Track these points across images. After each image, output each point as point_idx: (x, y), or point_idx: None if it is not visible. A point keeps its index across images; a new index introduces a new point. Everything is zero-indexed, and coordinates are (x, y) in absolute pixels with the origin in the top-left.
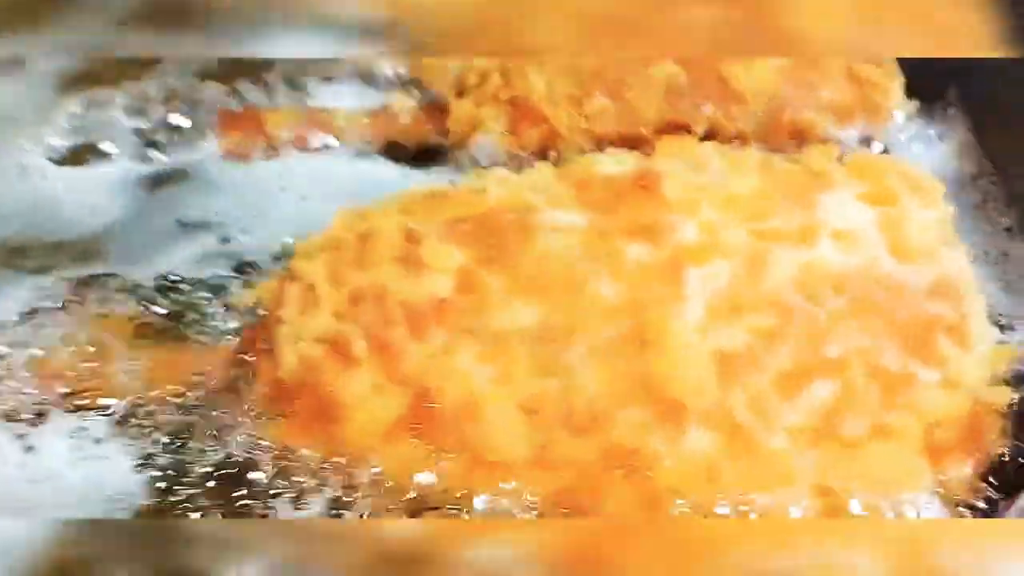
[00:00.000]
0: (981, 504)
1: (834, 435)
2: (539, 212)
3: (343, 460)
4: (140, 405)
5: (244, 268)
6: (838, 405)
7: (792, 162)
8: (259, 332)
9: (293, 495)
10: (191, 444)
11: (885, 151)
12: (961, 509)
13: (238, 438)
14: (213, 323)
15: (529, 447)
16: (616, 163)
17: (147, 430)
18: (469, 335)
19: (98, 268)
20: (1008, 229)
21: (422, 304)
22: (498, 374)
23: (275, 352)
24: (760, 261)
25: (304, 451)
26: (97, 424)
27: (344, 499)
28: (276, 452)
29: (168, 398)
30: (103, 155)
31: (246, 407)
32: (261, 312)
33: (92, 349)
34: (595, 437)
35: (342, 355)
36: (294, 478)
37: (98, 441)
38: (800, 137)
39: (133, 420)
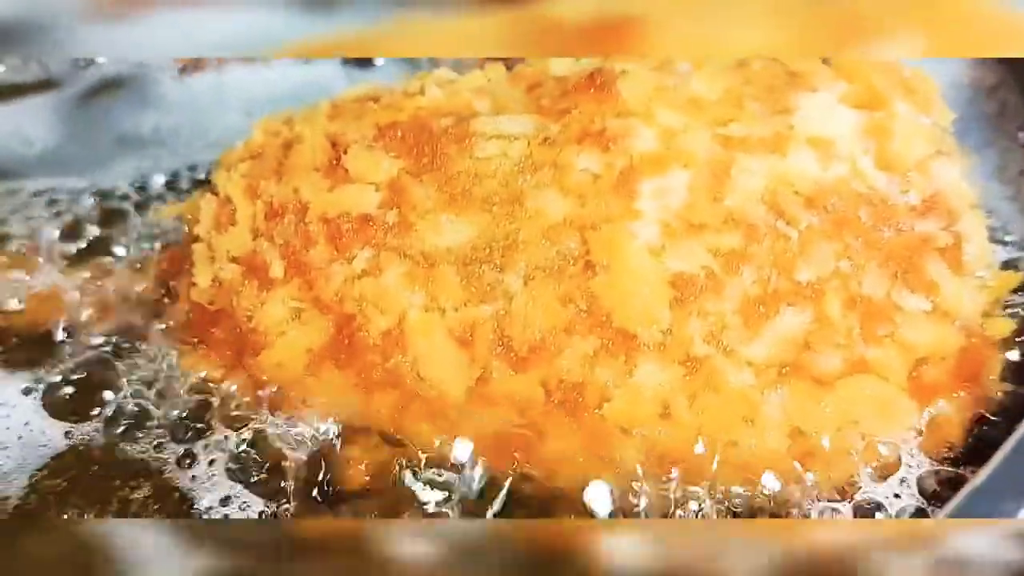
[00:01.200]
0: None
1: (806, 371)
2: (479, 117)
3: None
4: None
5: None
6: (811, 337)
7: (771, 61)
8: (180, 251)
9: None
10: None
11: None
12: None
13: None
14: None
15: (463, 381)
16: (575, 63)
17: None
18: (396, 255)
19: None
20: None
21: (345, 220)
22: (428, 299)
23: (192, 273)
24: (724, 172)
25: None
26: None
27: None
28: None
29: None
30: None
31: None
32: (184, 229)
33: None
34: (536, 370)
35: (259, 277)
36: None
37: None
38: None
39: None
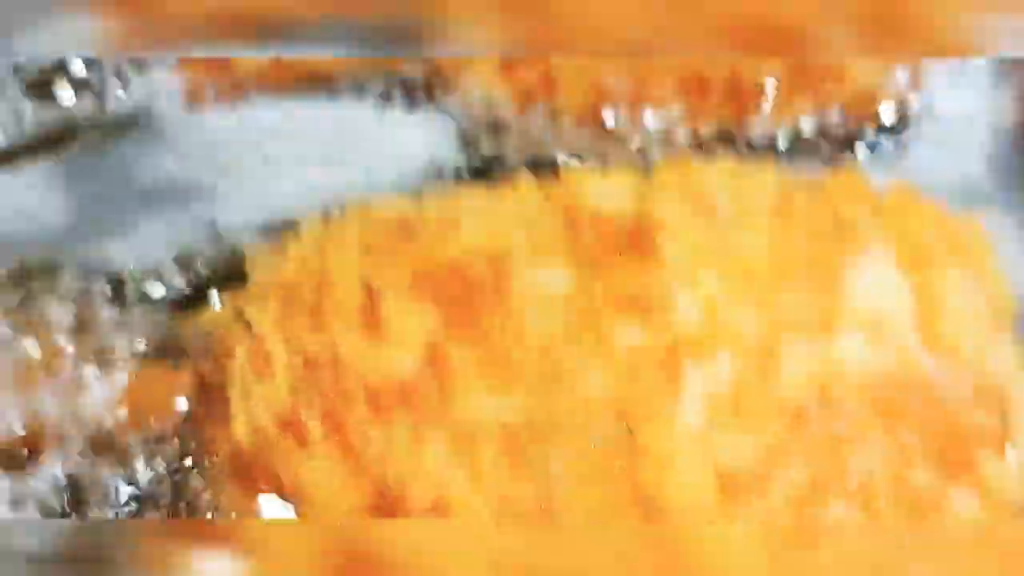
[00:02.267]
0: None
1: None
2: (517, 263)
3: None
4: None
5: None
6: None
7: (815, 190)
8: (211, 375)
9: None
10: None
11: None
12: None
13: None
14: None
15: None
16: (610, 191)
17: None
18: (436, 424)
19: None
20: None
21: (383, 384)
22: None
23: (228, 413)
24: (772, 355)
25: None
26: None
27: None
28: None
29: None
30: None
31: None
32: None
33: None
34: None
35: (296, 434)
36: None
37: None
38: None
39: None
